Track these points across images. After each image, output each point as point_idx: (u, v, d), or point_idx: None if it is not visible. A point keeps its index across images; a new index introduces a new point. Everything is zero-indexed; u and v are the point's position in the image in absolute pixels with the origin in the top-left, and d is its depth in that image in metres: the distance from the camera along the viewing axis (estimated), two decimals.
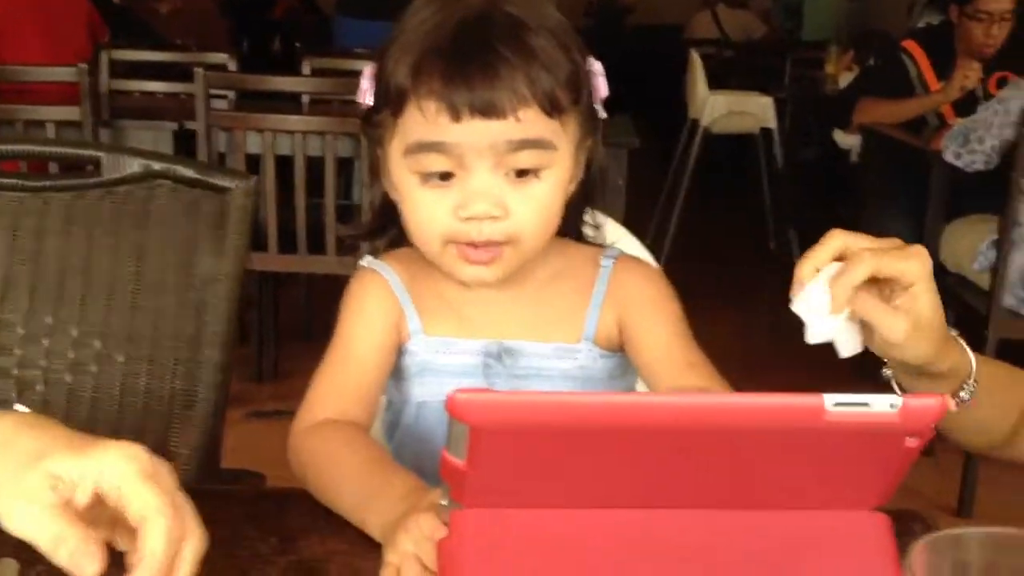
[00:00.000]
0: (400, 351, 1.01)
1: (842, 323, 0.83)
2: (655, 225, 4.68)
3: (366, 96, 0.95)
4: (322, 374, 0.98)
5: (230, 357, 1.36)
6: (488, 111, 0.88)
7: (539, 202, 0.92)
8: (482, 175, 0.90)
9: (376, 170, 0.99)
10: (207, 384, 1.35)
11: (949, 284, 3.02)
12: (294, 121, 2.96)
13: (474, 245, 0.92)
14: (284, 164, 2.96)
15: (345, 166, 3.41)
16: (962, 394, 0.88)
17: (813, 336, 0.84)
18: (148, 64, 4.25)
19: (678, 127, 5.23)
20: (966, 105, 3.35)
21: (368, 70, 0.95)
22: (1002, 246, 2.62)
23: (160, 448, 1.34)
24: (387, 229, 1.03)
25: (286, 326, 3.59)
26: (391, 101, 0.91)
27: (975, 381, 0.88)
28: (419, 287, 1.00)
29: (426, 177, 0.91)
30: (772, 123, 5.06)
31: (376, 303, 1.00)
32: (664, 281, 1.04)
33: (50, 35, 3.70)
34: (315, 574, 0.76)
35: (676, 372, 0.96)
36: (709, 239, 5.23)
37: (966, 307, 2.87)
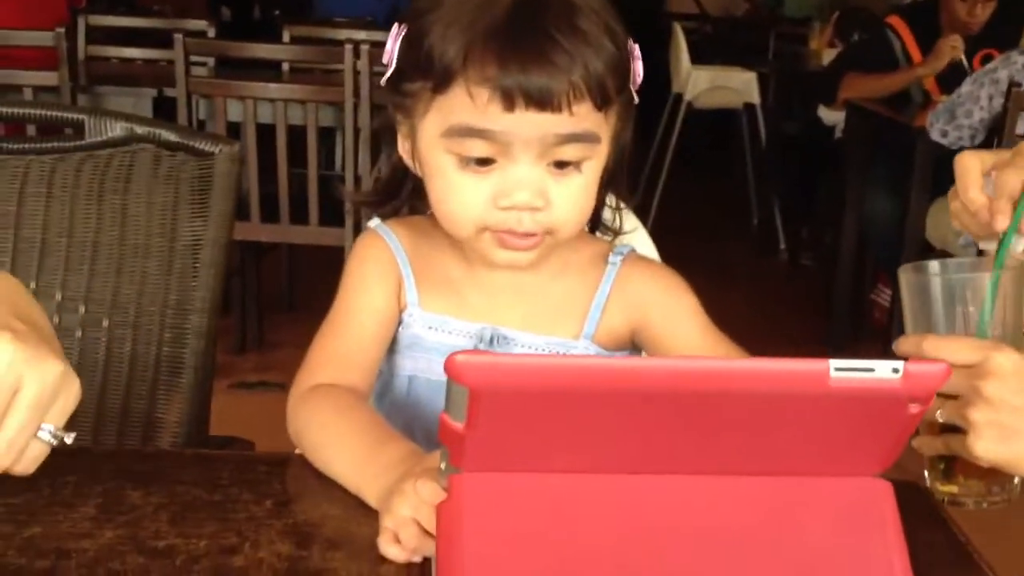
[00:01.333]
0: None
1: None
2: (638, 198, 4.67)
3: (392, 58, 0.91)
4: (322, 338, 0.97)
5: (216, 324, 1.35)
6: (544, 104, 0.84)
7: (579, 194, 0.90)
8: (525, 165, 0.87)
9: (393, 136, 0.95)
10: (193, 351, 1.33)
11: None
12: (275, 89, 2.93)
13: (513, 233, 0.89)
14: (265, 133, 2.93)
15: (327, 135, 3.39)
16: None
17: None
18: (125, 30, 4.21)
19: (660, 101, 5.22)
20: (951, 82, 3.35)
21: (397, 31, 0.90)
22: None
23: (147, 415, 1.34)
24: (396, 197, 1.00)
25: (268, 297, 3.57)
26: (434, 76, 0.86)
27: None
28: (423, 260, 0.99)
29: (465, 160, 0.87)
30: (755, 98, 5.05)
31: (378, 269, 0.98)
32: (675, 275, 1.02)
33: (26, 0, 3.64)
34: (311, 538, 0.76)
35: None
36: (692, 213, 5.23)
37: None
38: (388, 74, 0.92)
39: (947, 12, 3.53)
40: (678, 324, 0.98)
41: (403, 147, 0.95)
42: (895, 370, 0.61)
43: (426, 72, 0.86)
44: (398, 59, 0.90)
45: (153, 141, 1.34)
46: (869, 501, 0.68)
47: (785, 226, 4.78)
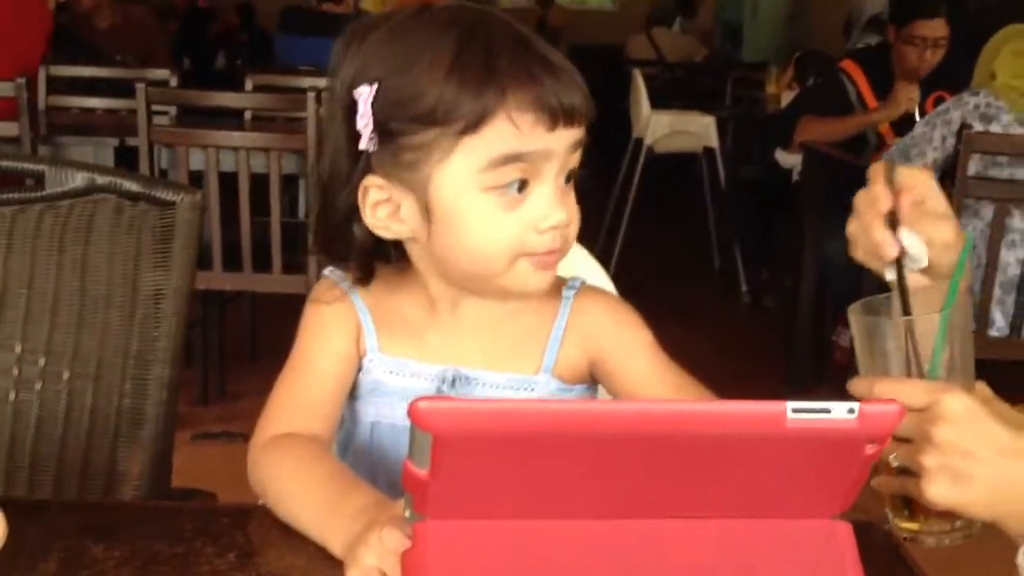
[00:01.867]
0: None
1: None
2: (601, 242, 4.71)
3: (368, 123, 0.89)
4: (281, 386, 0.97)
5: (179, 374, 1.34)
6: (573, 118, 0.89)
7: (576, 206, 0.94)
8: (550, 183, 0.90)
9: (361, 207, 0.93)
10: (155, 401, 1.32)
11: None
12: (238, 137, 2.94)
13: (552, 253, 0.91)
14: (228, 181, 2.93)
15: (290, 183, 3.39)
16: None
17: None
18: (85, 80, 4.20)
19: (620, 146, 5.27)
20: (904, 125, 3.41)
21: (368, 96, 0.89)
22: None
23: (108, 467, 1.32)
24: (374, 262, 0.98)
25: (231, 346, 3.55)
26: (460, 119, 0.86)
27: None
28: (380, 305, 0.99)
29: (502, 191, 0.89)
30: (714, 142, 5.11)
31: (335, 315, 0.98)
32: (628, 308, 1.03)
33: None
34: None
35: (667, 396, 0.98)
36: (655, 256, 5.27)
37: None
38: (369, 140, 0.90)
39: (898, 58, 3.60)
40: (633, 357, 0.99)
41: (379, 213, 0.92)
42: (851, 411, 0.62)
43: (444, 119, 0.87)
44: (382, 120, 0.89)
45: (114, 191, 1.34)
46: (829, 543, 0.69)
47: (746, 269, 4.82)
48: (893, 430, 0.64)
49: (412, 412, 0.61)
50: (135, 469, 1.33)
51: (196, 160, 2.92)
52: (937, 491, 0.77)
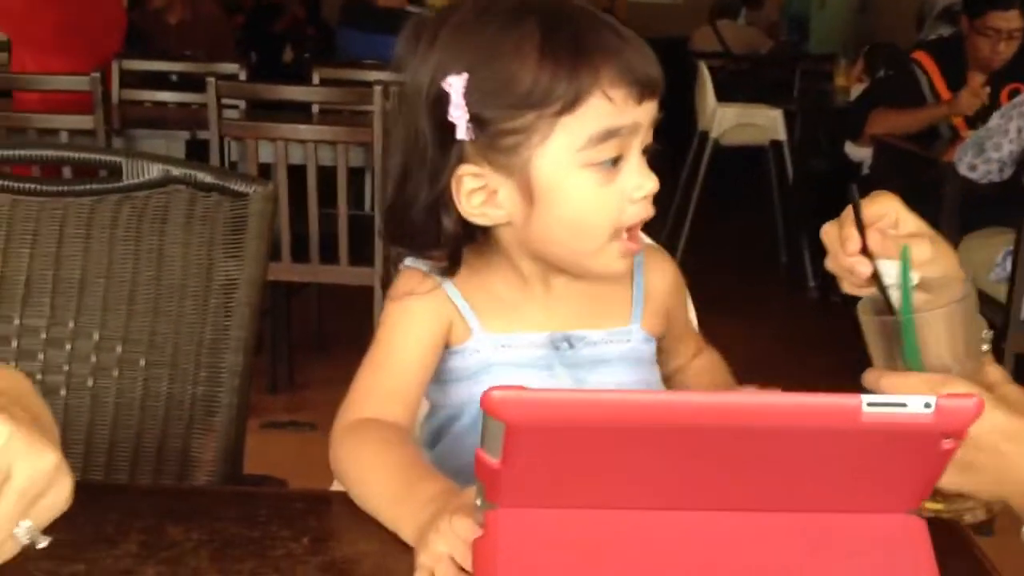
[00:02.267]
0: (453, 352, 1.01)
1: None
2: (666, 236, 4.68)
3: (463, 113, 0.90)
4: (365, 372, 0.98)
5: (251, 363, 1.37)
6: (655, 89, 0.93)
7: None
8: (638, 154, 0.94)
9: (455, 196, 0.94)
10: (228, 389, 1.35)
11: None
12: (306, 130, 2.97)
13: (632, 230, 0.95)
14: (296, 174, 2.97)
15: (356, 175, 3.42)
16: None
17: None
18: (156, 75, 4.28)
19: (686, 138, 5.24)
20: (977, 117, 3.36)
21: (461, 86, 0.90)
22: (1018, 256, 2.61)
23: (182, 453, 1.35)
24: (462, 250, 1.00)
25: (298, 337, 3.59)
26: (557, 99, 0.89)
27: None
28: (471, 287, 1.00)
29: (600, 167, 0.92)
30: (782, 135, 5.05)
31: (424, 306, 0.99)
32: (678, 270, 1.13)
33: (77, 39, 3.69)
34: (347, 574, 0.76)
35: (688, 355, 1.13)
36: (720, 250, 5.23)
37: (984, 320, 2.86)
38: (466, 130, 0.91)
39: (971, 49, 3.54)
40: (676, 314, 1.11)
41: (474, 200, 0.94)
42: (927, 405, 0.62)
43: (542, 102, 0.89)
44: (477, 109, 0.91)
45: (189, 182, 1.36)
46: (903, 538, 0.69)
47: (814, 263, 4.77)
48: (971, 424, 0.63)
49: (485, 401, 0.62)
50: (208, 456, 1.35)
51: (265, 153, 2.96)
52: (947, 479, 0.77)
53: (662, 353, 1.10)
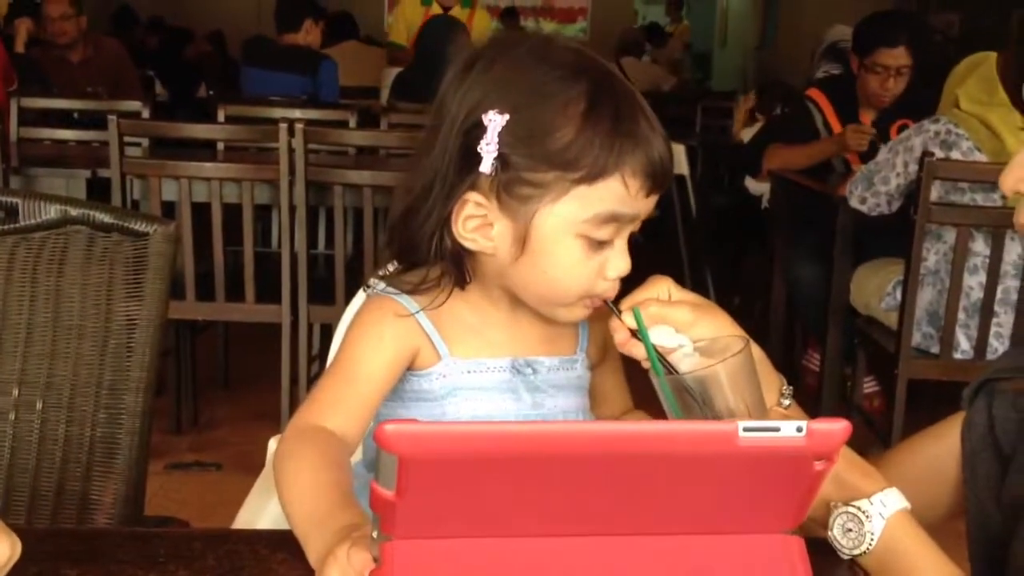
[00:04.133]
0: (419, 375, 1.03)
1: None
2: None
3: (494, 147, 0.93)
4: (325, 383, 1.00)
5: (152, 403, 1.36)
6: (664, 185, 0.97)
7: None
8: (625, 239, 0.98)
9: (453, 216, 0.98)
10: (128, 431, 1.34)
11: (859, 325, 3.11)
12: (210, 168, 2.95)
13: (607, 297, 0.99)
14: (202, 211, 2.95)
15: (262, 213, 3.41)
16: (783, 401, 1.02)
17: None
18: (56, 113, 4.21)
19: None
20: (870, 151, 3.48)
21: (500, 122, 0.93)
22: (907, 286, 2.71)
23: (81, 496, 1.33)
24: (461, 274, 1.02)
25: (204, 375, 3.55)
26: (582, 168, 0.93)
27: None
28: (440, 315, 1.03)
29: (591, 242, 0.96)
30: (685, 170, 5.16)
31: (393, 331, 1.01)
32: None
33: None
34: None
35: (619, 409, 1.16)
36: (627, 283, 5.29)
37: (876, 347, 2.96)
38: (491, 165, 0.94)
39: (862, 86, 3.67)
40: (613, 358, 1.13)
41: (468, 225, 0.98)
42: (799, 429, 0.65)
43: (568, 165, 0.93)
44: (506, 151, 0.94)
45: (87, 223, 1.35)
46: (781, 557, 0.72)
47: (718, 295, 4.87)
48: (840, 447, 0.67)
49: (378, 435, 0.63)
50: (108, 498, 1.34)
51: (169, 191, 2.93)
52: None
53: (595, 401, 1.14)
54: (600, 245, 0.97)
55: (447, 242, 0.99)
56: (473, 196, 0.97)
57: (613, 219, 0.95)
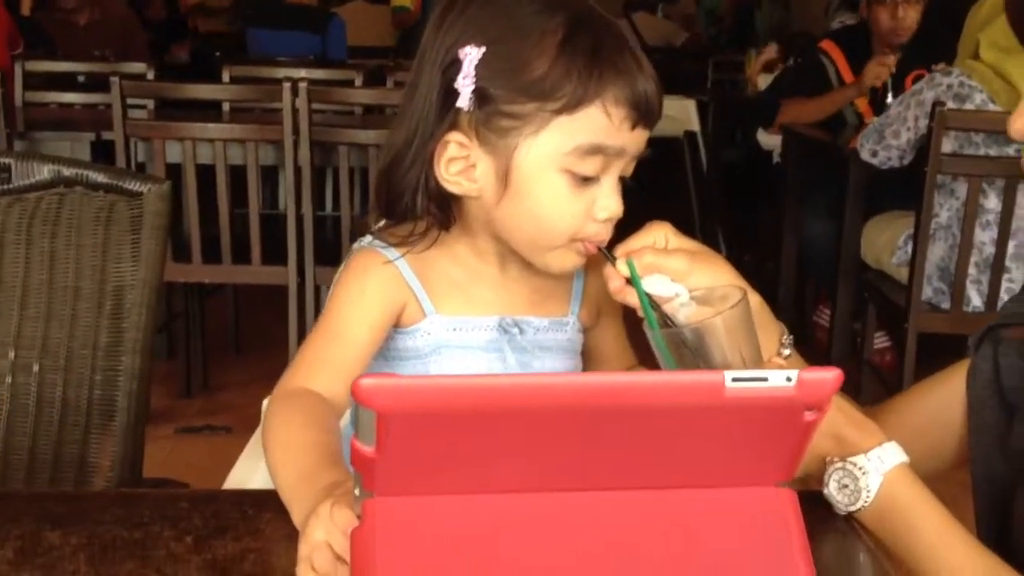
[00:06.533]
0: (404, 333, 1.02)
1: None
2: None
3: (470, 82, 0.92)
4: (312, 343, 0.98)
5: (149, 365, 1.35)
6: (651, 120, 0.95)
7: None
8: (612, 180, 0.96)
9: (435, 159, 0.96)
10: (126, 393, 1.33)
11: (870, 280, 3.08)
12: (213, 129, 2.93)
13: (600, 240, 0.97)
14: (207, 173, 2.93)
15: (268, 174, 3.39)
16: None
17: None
18: (63, 76, 4.19)
19: None
20: (883, 104, 3.42)
21: (474, 55, 0.92)
22: (918, 239, 2.67)
23: (80, 459, 1.33)
24: (447, 218, 1.01)
25: (213, 339, 3.55)
26: (560, 98, 0.91)
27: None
28: (426, 270, 1.02)
29: (575, 177, 0.94)
30: (696, 126, 5.11)
31: (378, 285, 1.00)
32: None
33: None
34: (229, 573, 0.76)
35: (626, 366, 1.13)
36: (628, 233, 5.27)
37: (887, 301, 2.93)
38: (468, 100, 0.93)
39: (875, 25, 3.60)
40: (612, 320, 1.12)
41: (452, 168, 0.96)
42: (788, 378, 0.63)
43: (546, 95, 0.91)
44: (484, 84, 0.93)
45: (81, 183, 1.34)
46: (773, 510, 0.70)
47: (729, 252, 4.83)
48: (831, 396, 0.65)
49: (355, 390, 0.62)
50: (106, 461, 1.33)
51: (173, 153, 2.91)
52: None
53: (595, 361, 1.12)
54: (586, 182, 0.94)
55: (432, 187, 0.97)
56: (454, 136, 0.95)
57: (597, 151, 0.93)
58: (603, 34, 0.94)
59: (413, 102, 0.97)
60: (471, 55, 0.92)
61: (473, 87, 0.93)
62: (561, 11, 0.94)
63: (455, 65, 0.93)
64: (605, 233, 0.97)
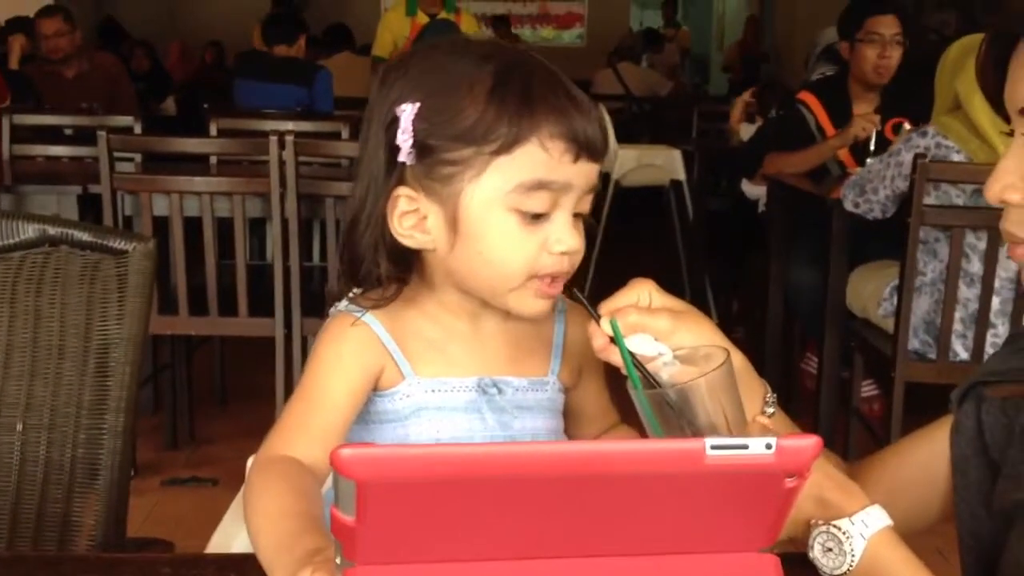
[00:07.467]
0: (383, 396, 1.02)
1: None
2: (571, 278, 4.72)
3: (409, 138, 0.95)
4: (292, 409, 0.98)
5: (133, 422, 1.34)
6: (594, 154, 0.96)
7: (583, 240, 0.99)
8: (566, 214, 0.96)
9: (375, 223, 0.98)
10: (110, 451, 1.33)
11: (856, 328, 3.08)
12: (200, 182, 2.94)
13: (554, 278, 0.97)
14: (195, 225, 2.93)
15: (255, 226, 3.39)
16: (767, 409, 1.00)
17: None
18: (50, 129, 4.20)
19: None
20: (865, 152, 3.46)
21: (411, 112, 0.95)
22: (903, 293, 2.69)
23: (63, 518, 1.32)
24: (407, 275, 1.02)
25: (200, 391, 3.54)
26: (496, 139, 0.93)
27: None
28: (402, 331, 1.02)
29: (524, 215, 0.95)
30: (681, 175, 5.15)
31: (355, 350, 1.00)
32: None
33: None
34: None
35: (607, 425, 1.13)
36: (613, 288, 5.28)
37: (874, 351, 2.93)
38: (408, 154, 0.95)
39: (859, 63, 3.63)
40: (593, 377, 1.11)
41: (404, 222, 0.98)
42: (768, 446, 0.63)
43: (481, 138, 0.93)
44: (422, 137, 0.95)
45: (66, 242, 1.35)
46: (757, 575, 0.70)
47: (717, 300, 4.85)
48: (811, 463, 0.65)
49: (334, 460, 0.62)
50: (90, 520, 1.32)
51: (160, 206, 2.92)
52: None
53: (577, 420, 1.12)
54: (537, 219, 0.95)
55: (389, 243, 0.99)
56: (403, 191, 0.97)
57: (540, 186, 0.94)
58: (534, 76, 0.96)
59: (363, 163, 1.00)
60: (406, 111, 0.95)
61: (412, 140, 0.95)
62: (492, 60, 0.96)
63: (395, 123, 0.96)
64: (561, 266, 0.97)
